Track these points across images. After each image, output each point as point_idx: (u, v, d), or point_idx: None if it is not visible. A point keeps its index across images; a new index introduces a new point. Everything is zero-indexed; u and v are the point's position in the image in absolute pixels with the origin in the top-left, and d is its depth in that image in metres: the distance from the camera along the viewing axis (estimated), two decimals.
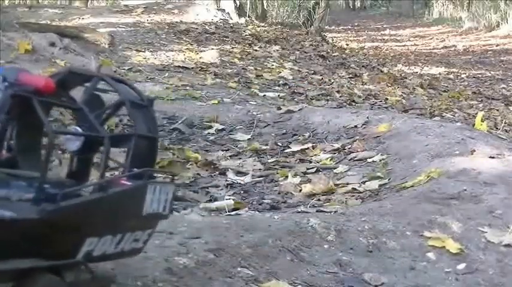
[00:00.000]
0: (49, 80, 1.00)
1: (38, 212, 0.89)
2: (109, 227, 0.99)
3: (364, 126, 3.10)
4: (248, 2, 12.47)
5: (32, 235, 0.89)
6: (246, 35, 7.85)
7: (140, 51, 5.71)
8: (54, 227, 0.90)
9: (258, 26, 9.27)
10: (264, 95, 4.32)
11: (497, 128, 4.00)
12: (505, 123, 4.36)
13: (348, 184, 2.36)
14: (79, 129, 1.08)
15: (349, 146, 2.87)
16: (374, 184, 2.30)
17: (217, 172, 2.56)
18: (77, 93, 1.12)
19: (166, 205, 1.08)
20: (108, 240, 0.99)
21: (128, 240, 1.03)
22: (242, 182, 2.44)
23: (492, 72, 8.92)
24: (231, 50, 6.56)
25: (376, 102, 4.81)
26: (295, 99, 4.39)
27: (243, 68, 5.63)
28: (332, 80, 5.80)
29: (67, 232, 0.93)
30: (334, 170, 2.57)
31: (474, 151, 2.39)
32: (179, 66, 5.22)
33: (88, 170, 1.13)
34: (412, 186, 2.11)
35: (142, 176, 1.04)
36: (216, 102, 3.76)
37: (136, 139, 1.07)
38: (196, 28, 7.58)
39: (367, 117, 3.18)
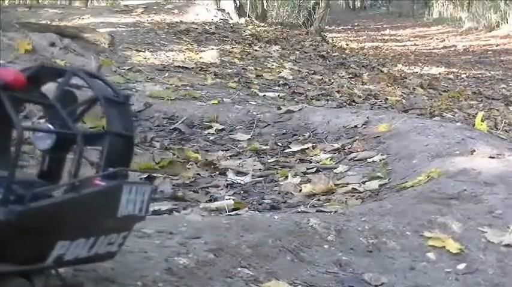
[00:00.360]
0: (19, 75, 0.96)
1: (5, 213, 0.83)
2: (82, 230, 0.94)
3: (364, 126, 3.10)
4: (248, 2, 12.47)
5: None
6: (246, 35, 7.86)
7: (140, 51, 5.71)
8: (22, 229, 0.86)
9: (258, 26, 9.27)
10: (264, 95, 4.32)
11: (497, 128, 4.00)
12: (505, 123, 4.36)
13: (348, 184, 2.36)
14: (51, 127, 1.03)
15: (349, 146, 2.87)
16: (374, 184, 2.30)
17: (217, 172, 2.56)
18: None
19: (142, 206, 1.03)
20: (80, 243, 0.94)
21: (102, 243, 0.98)
22: (242, 182, 2.44)
23: (492, 72, 8.92)
24: (231, 50, 6.56)
25: (376, 102, 4.81)
26: (295, 99, 4.39)
27: (243, 68, 5.63)
28: (332, 80, 5.80)
29: (36, 235, 0.88)
30: (334, 170, 2.57)
31: (474, 151, 2.40)
32: (179, 66, 5.23)
33: (60, 169, 1.09)
34: (412, 186, 2.11)
35: (117, 176, 0.99)
36: (216, 102, 3.76)
37: (111, 137, 1.03)
38: (196, 28, 7.58)
39: (367, 117, 3.18)
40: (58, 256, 0.92)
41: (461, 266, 1.58)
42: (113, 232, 1.00)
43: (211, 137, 3.19)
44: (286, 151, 2.94)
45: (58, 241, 0.91)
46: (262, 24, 10.14)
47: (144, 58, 5.40)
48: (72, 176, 0.97)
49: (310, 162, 2.74)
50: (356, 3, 25.70)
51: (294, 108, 3.55)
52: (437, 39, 14.17)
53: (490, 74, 8.74)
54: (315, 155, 2.83)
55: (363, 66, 7.75)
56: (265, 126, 3.35)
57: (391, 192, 2.16)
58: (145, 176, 2.37)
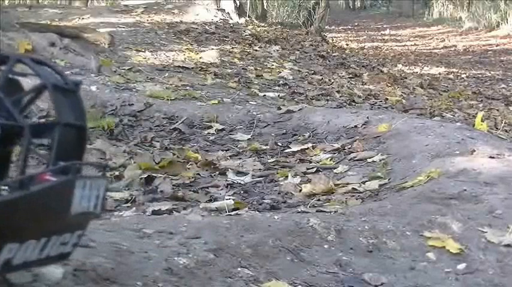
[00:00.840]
0: None
1: None
2: (32, 231, 0.86)
3: (364, 126, 3.10)
4: (248, 2, 12.47)
5: None
6: (246, 35, 7.85)
7: (140, 51, 5.71)
8: None
9: (258, 26, 9.27)
10: (264, 95, 4.32)
11: (497, 128, 4.00)
12: (505, 123, 4.35)
13: (348, 184, 2.36)
14: None
15: (349, 146, 2.87)
16: (374, 184, 2.30)
17: (217, 172, 2.56)
18: None
19: (97, 202, 0.95)
20: (31, 245, 0.87)
21: (55, 244, 0.91)
22: (242, 182, 2.44)
23: (492, 72, 8.92)
24: (231, 50, 6.56)
25: (376, 102, 4.81)
26: (295, 99, 4.39)
27: (243, 68, 5.63)
28: (332, 80, 5.80)
29: None
30: (334, 170, 2.57)
31: (474, 151, 2.39)
32: (179, 66, 5.22)
33: (6, 165, 1.02)
34: (412, 186, 2.11)
35: (69, 171, 0.91)
36: (216, 102, 3.76)
37: (61, 128, 0.95)
38: (196, 28, 7.57)
39: (367, 117, 3.18)
40: (6, 260, 0.85)
41: (461, 266, 1.58)
42: (66, 231, 0.92)
43: (211, 137, 3.19)
44: (286, 151, 2.94)
45: (6, 244, 0.84)
46: (262, 24, 10.14)
47: (144, 58, 5.40)
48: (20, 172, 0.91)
49: (310, 162, 2.74)
50: (356, 3, 25.71)
51: (294, 108, 3.55)
52: (437, 39, 14.16)
53: (490, 74, 8.73)
54: (315, 155, 2.83)
55: (363, 66, 7.75)
56: (265, 126, 3.35)
57: (391, 192, 2.16)
58: (145, 176, 2.38)
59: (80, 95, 1.01)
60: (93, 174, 0.98)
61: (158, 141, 3.01)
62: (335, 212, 1.87)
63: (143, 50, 5.79)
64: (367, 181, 2.36)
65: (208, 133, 3.25)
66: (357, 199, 2.18)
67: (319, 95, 4.77)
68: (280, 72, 5.66)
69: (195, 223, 1.58)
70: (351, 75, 6.41)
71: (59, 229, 0.91)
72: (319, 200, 2.19)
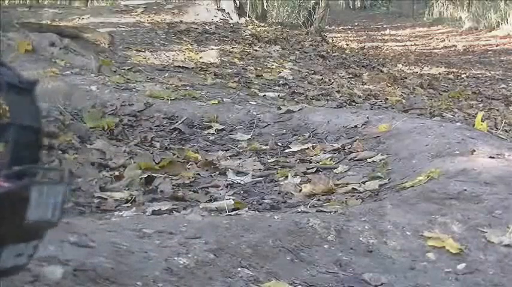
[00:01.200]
0: None
1: None
2: None
3: (364, 126, 3.10)
4: (248, 2, 12.47)
5: None
6: (246, 35, 7.85)
7: (140, 51, 5.71)
8: None
9: (258, 26, 9.27)
10: (264, 95, 4.33)
11: (497, 128, 4.00)
12: (505, 123, 4.36)
13: (348, 184, 2.36)
14: None
15: (349, 146, 2.87)
16: (374, 184, 2.30)
17: (217, 172, 2.57)
18: None
19: (55, 209, 0.87)
20: None
21: (9, 255, 0.83)
22: (242, 182, 2.44)
23: (492, 72, 8.91)
24: (231, 50, 6.56)
25: (376, 102, 4.81)
26: (295, 99, 4.39)
27: (243, 68, 5.63)
28: (332, 80, 5.80)
29: None
30: (334, 170, 2.57)
31: (474, 151, 2.39)
32: (179, 66, 5.22)
33: None
34: (412, 186, 2.11)
35: (24, 175, 0.85)
36: (216, 102, 3.76)
37: (16, 130, 0.88)
38: (196, 28, 7.57)
39: (367, 117, 3.18)
40: None
41: (461, 266, 1.58)
42: (20, 241, 0.85)
43: (211, 137, 3.19)
44: (286, 151, 2.94)
45: None
46: (262, 24, 10.13)
47: (144, 58, 5.40)
48: None
49: (310, 162, 2.74)
50: (356, 3, 25.72)
51: (294, 108, 3.55)
52: (437, 39, 14.16)
53: (490, 74, 8.73)
54: (315, 155, 2.83)
55: (363, 66, 7.75)
56: (265, 126, 3.36)
57: (391, 192, 2.16)
58: (145, 176, 2.38)
59: (36, 95, 0.94)
60: (52, 179, 0.90)
61: (158, 142, 3.01)
62: (335, 212, 1.87)
63: (143, 50, 5.79)
64: (367, 181, 2.36)
65: (208, 133, 3.26)
66: (357, 199, 2.18)
67: (319, 95, 4.78)
68: (280, 72, 5.66)
69: (195, 223, 1.58)
70: (351, 75, 6.42)
71: (13, 239, 0.84)
72: (319, 200, 2.19)
